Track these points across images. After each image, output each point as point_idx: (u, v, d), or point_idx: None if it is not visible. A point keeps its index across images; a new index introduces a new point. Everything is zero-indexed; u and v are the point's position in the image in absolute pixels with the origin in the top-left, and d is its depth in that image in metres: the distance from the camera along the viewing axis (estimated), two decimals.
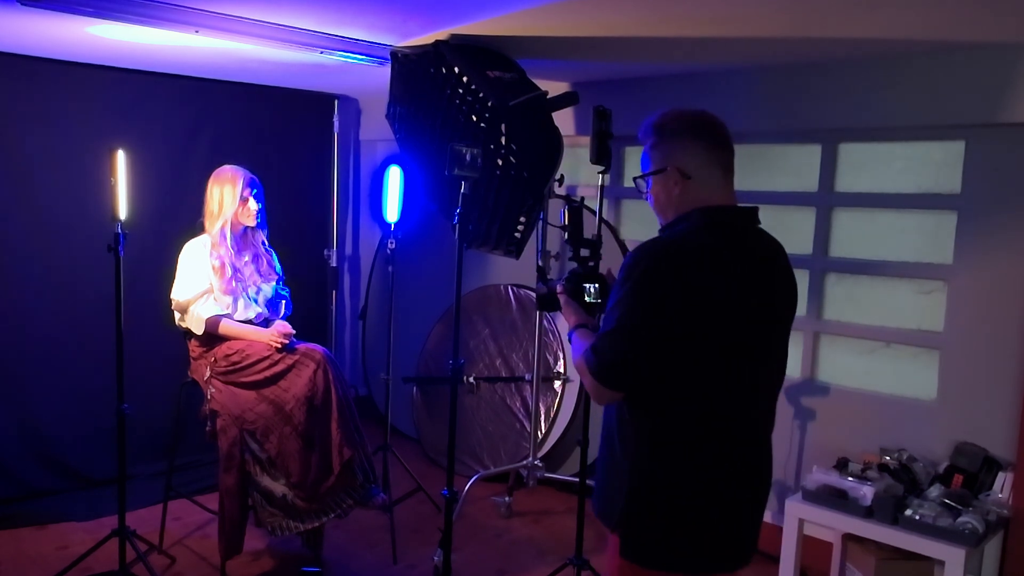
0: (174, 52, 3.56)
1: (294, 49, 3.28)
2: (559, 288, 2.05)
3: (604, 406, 1.81)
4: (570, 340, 1.91)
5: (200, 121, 4.41)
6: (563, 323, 4.38)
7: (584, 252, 2.43)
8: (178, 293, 3.17)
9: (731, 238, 1.72)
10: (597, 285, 2.02)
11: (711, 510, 1.72)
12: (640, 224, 4.30)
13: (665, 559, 1.73)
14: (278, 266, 3.43)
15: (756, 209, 1.81)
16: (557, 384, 4.36)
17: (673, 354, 1.64)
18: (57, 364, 4.01)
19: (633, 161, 4.32)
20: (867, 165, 3.50)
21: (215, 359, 3.16)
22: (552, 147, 3.31)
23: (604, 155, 3.26)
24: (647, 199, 1.84)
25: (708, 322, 1.64)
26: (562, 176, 3.56)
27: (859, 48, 3.13)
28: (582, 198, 2.80)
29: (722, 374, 1.68)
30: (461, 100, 3.17)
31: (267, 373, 3.11)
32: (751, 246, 1.75)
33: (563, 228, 2.54)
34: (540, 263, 3.33)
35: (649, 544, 1.73)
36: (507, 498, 4.09)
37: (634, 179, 1.85)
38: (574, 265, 2.26)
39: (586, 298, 2.01)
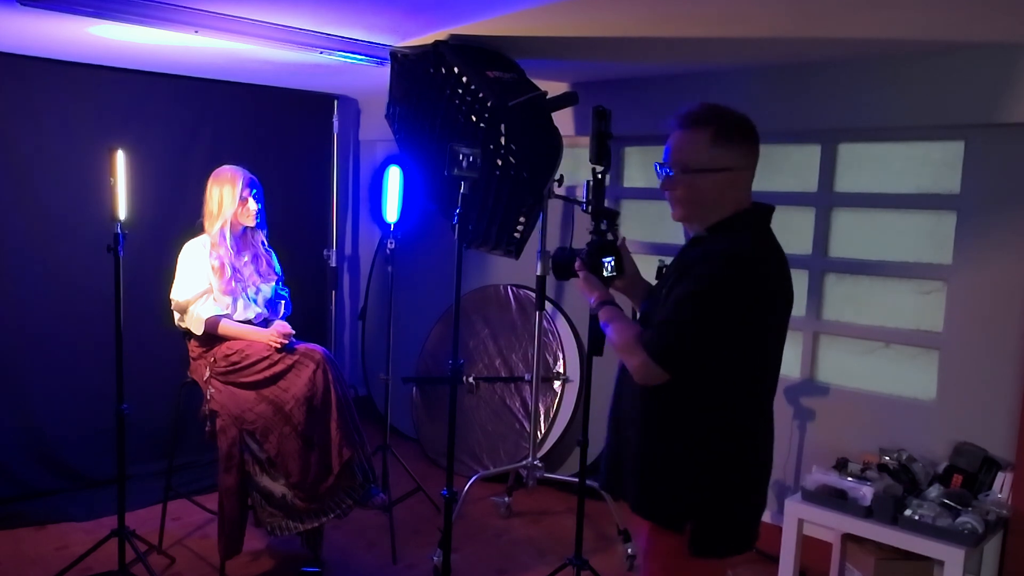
0: (174, 52, 3.56)
1: (294, 49, 3.27)
2: (578, 263, 2.05)
3: (647, 405, 1.85)
4: (596, 315, 1.96)
5: (200, 121, 4.40)
6: (563, 323, 4.40)
7: (603, 225, 2.44)
8: (178, 293, 3.17)
9: (773, 243, 1.84)
10: (613, 259, 2.04)
11: (759, 495, 1.86)
12: (640, 224, 4.30)
13: (731, 545, 1.83)
14: (277, 266, 3.43)
15: (773, 208, 1.89)
16: (557, 384, 4.37)
17: (736, 355, 1.75)
18: (57, 364, 4.01)
19: (633, 161, 4.31)
20: (867, 165, 3.50)
21: (214, 359, 3.16)
22: (552, 147, 3.31)
23: (604, 155, 3.26)
24: (666, 172, 1.82)
25: (767, 328, 1.78)
26: (562, 176, 3.56)
27: (859, 48, 3.13)
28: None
29: (766, 370, 1.83)
30: (461, 100, 3.17)
31: (266, 373, 3.11)
32: (778, 247, 1.86)
33: (586, 202, 2.59)
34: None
35: (721, 534, 1.81)
36: (507, 498, 4.09)
37: (672, 168, 1.82)
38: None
39: (604, 273, 2.03)
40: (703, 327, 1.71)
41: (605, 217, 2.45)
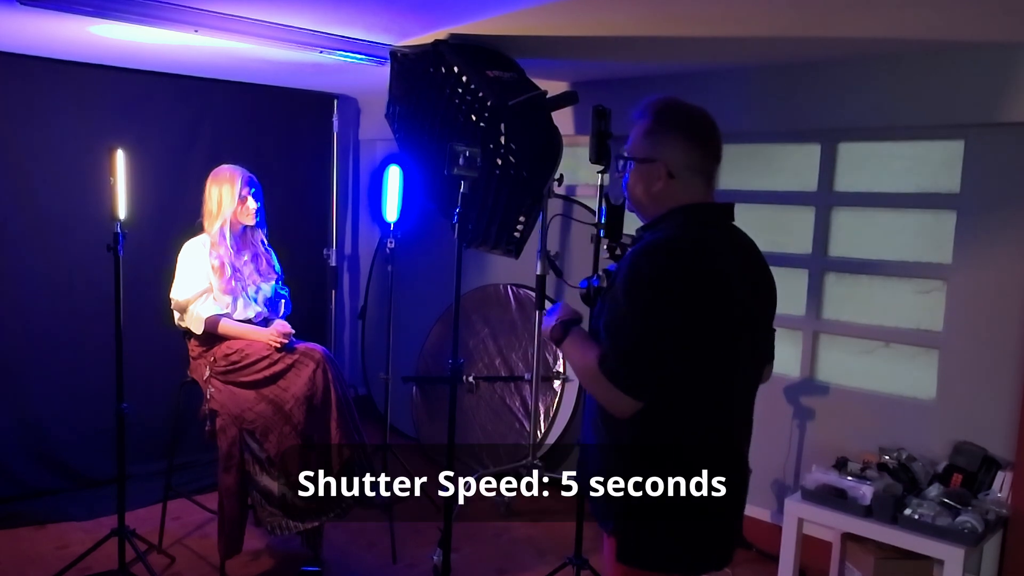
0: (174, 52, 3.56)
1: (294, 49, 3.27)
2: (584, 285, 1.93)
3: (590, 410, 1.80)
4: (556, 335, 1.78)
5: (199, 121, 4.40)
6: None
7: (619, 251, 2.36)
8: (177, 292, 3.17)
9: (716, 237, 1.72)
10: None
11: (707, 507, 1.71)
12: (639, 224, 4.29)
13: (663, 560, 1.72)
14: (277, 265, 3.43)
15: (732, 205, 1.80)
16: (556, 384, 4.36)
17: (683, 360, 1.63)
18: (56, 363, 4.00)
19: None
20: (866, 165, 3.50)
21: (214, 359, 3.16)
22: (552, 147, 3.31)
23: (603, 155, 3.26)
24: (623, 179, 1.81)
25: (710, 325, 1.64)
26: (561, 176, 3.56)
27: (859, 48, 3.13)
28: (623, 200, 2.75)
29: (718, 373, 1.69)
30: (460, 99, 3.17)
31: (266, 372, 3.11)
32: (734, 243, 1.76)
33: (601, 226, 2.52)
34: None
35: (648, 545, 1.72)
36: (507, 497, 4.08)
37: (617, 157, 1.81)
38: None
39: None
40: (654, 339, 1.59)
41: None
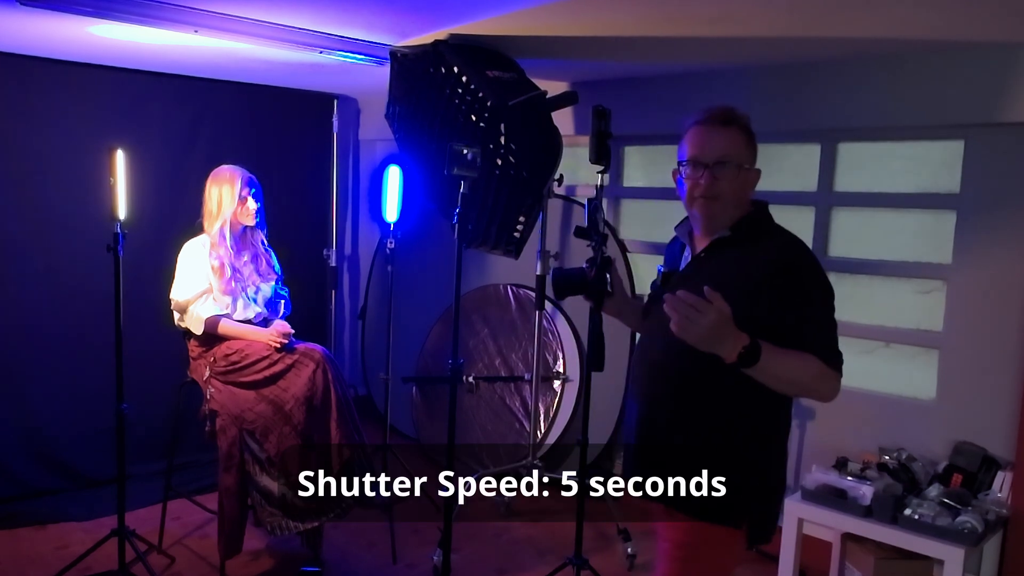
0: (174, 52, 3.56)
1: (294, 49, 3.28)
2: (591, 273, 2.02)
3: (716, 408, 1.93)
4: (740, 362, 1.75)
5: (199, 121, 4.40)
6: (562, 322, 4.40)
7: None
8: (177, 293, 3.17)
9: None
10: (609, 276, 2.06)
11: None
12: (640, 224, 4.30)
13: (772, 530, 1.94)
14: (277, 266, 3.42)
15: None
16: (556, 384, 4.37)
17: None
18: (56, 364, 4.00)
19: (633, 160, 4.31)
20: (866, 165, 3.50)
21: (214, 359, 3.16)
22: (552, 147, 3.31)
23: (603, 155, 3.26)
24: (703, 167, 1.80)
25: None
26: (561, 176, 3.56)
27: (859, 48, 3.13)
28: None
29: None
30: (460, 100, 3.17)
31: (266, 373, 3.11)
32: None
33: (588, 219, 2.62)
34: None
35: (770, 523, 1.92)
36: (506, 497, 4.08)
37: (720, 162, 1.79)
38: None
39: (608, 288, 2.03)
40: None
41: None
